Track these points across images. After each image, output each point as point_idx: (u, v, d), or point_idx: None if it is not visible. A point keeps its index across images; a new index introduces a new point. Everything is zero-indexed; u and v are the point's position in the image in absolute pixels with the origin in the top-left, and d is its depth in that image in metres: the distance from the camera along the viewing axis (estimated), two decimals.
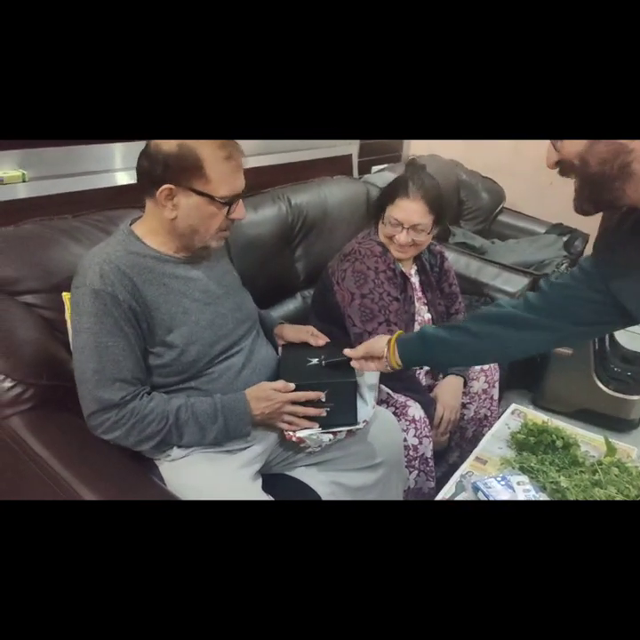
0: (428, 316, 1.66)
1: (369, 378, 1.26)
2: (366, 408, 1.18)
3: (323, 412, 1.12)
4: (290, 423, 1.11)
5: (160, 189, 1.00)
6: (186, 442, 1.07)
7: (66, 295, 1.12)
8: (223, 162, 1.01)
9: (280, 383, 1.11)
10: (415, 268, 1.68)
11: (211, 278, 1.15)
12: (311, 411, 1.11)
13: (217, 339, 1.12)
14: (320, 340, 1.31)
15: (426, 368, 1.67)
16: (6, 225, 1.23)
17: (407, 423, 1.41)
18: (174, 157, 0.99)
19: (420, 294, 1.66)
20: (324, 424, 1.12)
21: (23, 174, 1.35)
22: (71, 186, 1.45)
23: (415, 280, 1.66)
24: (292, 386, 1.11)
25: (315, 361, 1.21)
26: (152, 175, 1.01)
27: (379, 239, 1.57)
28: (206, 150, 1.00)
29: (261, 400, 1.10)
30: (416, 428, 1.41)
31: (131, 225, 1.10)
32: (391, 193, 1.54)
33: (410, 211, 1.50)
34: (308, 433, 1.11)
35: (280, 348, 1.31)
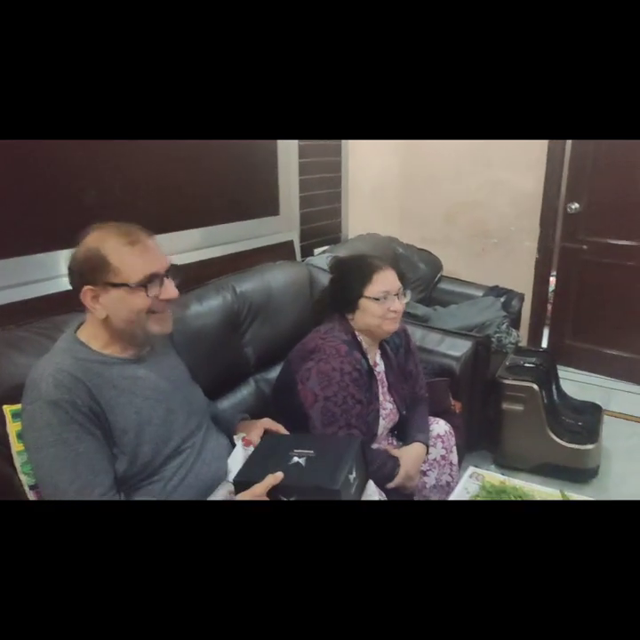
0: (390, 406, 1.62)
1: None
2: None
3: None
4: None
5: (82, 293, 1.04)
6: None
7: (7, 408, 1.10)
8: (127, 248, 1.04)
9: (269, 479, 1.08)
10: (379, 352, 1.65)
11: (159, 375, 1.16)
12: None
13: (169, 435, 1.12)
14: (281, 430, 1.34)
15: (389, 436, 1.68)
16: None
17: None
18: (83, 262, 1.04)
19: (384, 384, 1.63)
20: None
21: None
22: (13, 296, 1.42)
23: (380, 369, 1.64)
24: (281, 475, 1.08)
25: (296, 459, 1.17)
26: (73, 284, 1.06)
27: (344, 336, 1.52)
28: (108, 244, 1.04)
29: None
30: None
31: (76, 331, 1.12)
32: (362, 276, 1.54)
33: (391, 278, 1.55)
34: None
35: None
